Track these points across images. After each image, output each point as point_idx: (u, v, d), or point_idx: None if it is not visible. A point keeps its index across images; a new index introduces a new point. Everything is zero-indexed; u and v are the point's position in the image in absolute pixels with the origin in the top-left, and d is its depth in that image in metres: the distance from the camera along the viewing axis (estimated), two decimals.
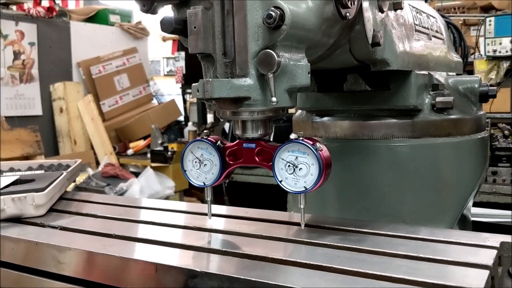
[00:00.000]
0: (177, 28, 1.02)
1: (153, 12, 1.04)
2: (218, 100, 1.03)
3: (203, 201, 4.24)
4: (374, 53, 1.28)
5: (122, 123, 6.50)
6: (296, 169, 1.04)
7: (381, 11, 1.28)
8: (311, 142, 1.03)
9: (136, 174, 5.19)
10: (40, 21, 5.85)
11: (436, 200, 1.51)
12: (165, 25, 1.02)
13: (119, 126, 6.47)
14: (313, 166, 1.02)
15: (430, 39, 1.71)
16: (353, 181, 1.51)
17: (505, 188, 3.97)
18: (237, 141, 1.13)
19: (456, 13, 5.11)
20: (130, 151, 6.15)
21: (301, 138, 1.04)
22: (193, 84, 1.03)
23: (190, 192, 5.79)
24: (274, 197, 4.89)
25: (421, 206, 1.50)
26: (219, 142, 1.15)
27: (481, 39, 4.64)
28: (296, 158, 1.04)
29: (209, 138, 1.15)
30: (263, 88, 1.00)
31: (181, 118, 7.33)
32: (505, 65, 4.52)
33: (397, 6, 1.36)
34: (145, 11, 1.04)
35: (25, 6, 5.76)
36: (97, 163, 5.65)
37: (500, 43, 4.44)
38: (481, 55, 4.69)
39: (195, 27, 1.00)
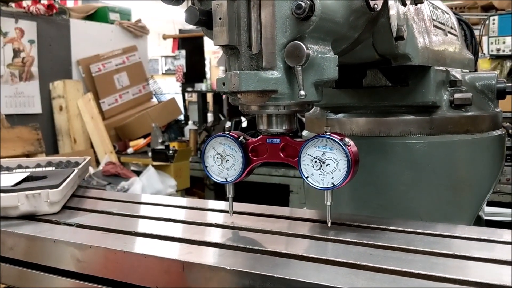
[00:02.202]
0: (201, 20, 1.00)
1: (177, 3, 1.02)
2: (244, 94, 1.00)
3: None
4: (397, 48, 1.26)
5: (122, 121, 6.46)
6: (323, 165, 1.02)
7: (404, 4, 1.26)
8: (339, 137, 1.01)
9: (137, 173, 5.15)
10: (39, 19, 5.79)
11: (454, 199, 1.48)
12: (190, 16, 0.99)
13: (119, 125, 6.42)
14: (342, 162, 1.00)
15: (446, 35, 1.69)
16: (369, 179, 1.48)
17: (509, 187, 3.96)
18: (261, 136, 1.10)
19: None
20: (130, 150, 6.11)
21: (328, 133, 1.01)
22: (218, 77, 1.00)
23: (192, 191, 5.76)
24: (277, 197, 4.88)
25: (438, 205, 1.47)
26: (241, 138, 1.12)
27: (484, 38, 4.63)
28: (323, 153, 1.01)
29: (231, 133, 1.12)
30: (290, 81, 0.97)
31: (181, 117, 7.29)
32: (508, 64, 4.51)
33: (418, 0, 1.34)
34: (168, 2, 1.02)
35: (24, 4, 5.70)
36: (97, 162, 5.61)
37: (504, 42, 4.43)
38: (484, 54, 4.68)
39: (220, 18, 0.97)
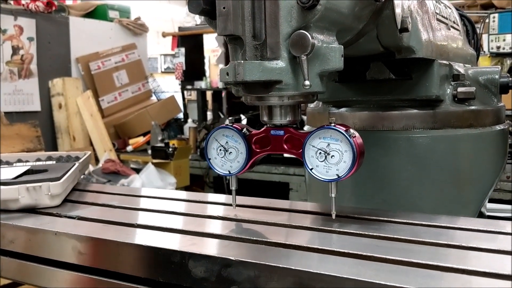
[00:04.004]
0: (205, 9, 0.99)
1: None
2: (247, 85, 0.99)
3: None
4: (401, 40, 1.25)
5: (121, 119, 6.44)
6: (328, 156, 1.01)
7: None
8: (344, 128, 1.00)
9: (137, 171, 5.14)
10: (39, 16, 5.78)
11: (457, 194, 1.48)
12: (193, 6, 0.98)
13: (118, 123, 6.41)
14: (347, 153, 0.99)
15: (449, 29, 1.69)
16: (371, 174, 1.47)
17: (510, 184, 3.96)
18: (264, 128, 1.09)
19: None
20: (129, 148, 6.10)
21: (333, 124, 1.00)
22: (221, 68, 0.99)
23: (192, 188, 5.75)
24: (276, 194, 4.87)
25: (441, 200, 1.46)
26: (245, 129, 1.11)
27: (484, 36, 4.62)
28: (328, 145, 1.00)
29: (234, 125, 1.11)
30: (295, 71, 0.96)
31: (180, 115, 7.28)
32: (508, 61, 4.51)
33: None
34: None
35: (23, 1, 5.68)
36: (96, 160, 5.60)
37: (504, 40, 4.43)
38: (484, 51, 4.67)
39: (224, 8, 0.96)
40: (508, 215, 2.27)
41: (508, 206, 2.48)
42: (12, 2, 5.69)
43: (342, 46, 1.01)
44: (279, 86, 0.97)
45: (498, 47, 4.46)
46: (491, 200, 3.56)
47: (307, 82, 0.94)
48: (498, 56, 4.52)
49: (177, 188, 5.16)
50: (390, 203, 1.45)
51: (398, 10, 1.17)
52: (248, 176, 4.93)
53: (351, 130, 1.00)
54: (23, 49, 5.64)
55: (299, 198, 4.80)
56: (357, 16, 1.08)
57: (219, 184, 5.63)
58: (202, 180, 5.85)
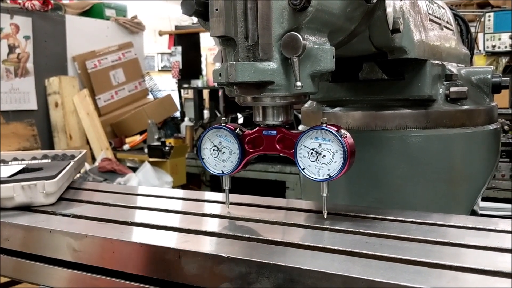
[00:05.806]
0: (198, 10, 1.00)
1: None
2: (240, 85, 1.00)
3: None
4: (393, 40, 1.26)
5: (117, 118, 6.44)
6: (319, 156, 1.02)
7: None
8: (336, 129, 1.01)
9: (134, 169, 5.15)
10: (35, 15, 5.77)
11: (449, 193, 1.49)
12: (186, 7, 0.99)
13: (115, 121, 6.40)
14: (338, 153, 1.00)
15: (442, 29, 1.70)
16: (365, 173, 1.48)
17: (504, 183, 3.99)
18: (257, 128, 1.10)
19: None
20: (126, 146, 6.09)
21: (324, 125, 1.02)
22: (214, 69, 1.01)
23: (188, 187, 5.76)
24: (273, 193, 4.89)
25: (434, 199, 1.48)
26: (238, 130, 1.12)
27: (480, 35, 4.64)
28: (320, 145, 1.02)
29: (227, 125, 1.12)
30: (286, 72, 0.98)
31: (177, 114, 7.29)
32: (504, 60, 4.53)
33: None
34: None
35: (19, 0, 5.67)
36: (93, 158, 5.60)
37: (499, 39, 4.45)
38: (480, 50, 4.70)
39: (217, 9, 0.97)
40: (502, 213, 2.28)
41: (502, 205, 2.50)
42: (8, 1, 5.69)
43: (334, 48, 1.02)
44: (271, 87, 0.98)
45: (494, 46, 4.49)
46: (486, 199, 3.59)
47: (298, 83, 0.95)
48: (494, 55, 4.55)
49: (173, 187, 5.17)
50: (383, 202, 1.46)
51: (389, 10, 1.19)
52: (244, 174, 4.94)
53: (342, 131, 1.02)
54: (19, 48, 5.63)
55: (296, 197, 4.82)
56: (349, 17, 1.09)
57: (216, 183, 5.64)
58: (199, 179, 5.87)
